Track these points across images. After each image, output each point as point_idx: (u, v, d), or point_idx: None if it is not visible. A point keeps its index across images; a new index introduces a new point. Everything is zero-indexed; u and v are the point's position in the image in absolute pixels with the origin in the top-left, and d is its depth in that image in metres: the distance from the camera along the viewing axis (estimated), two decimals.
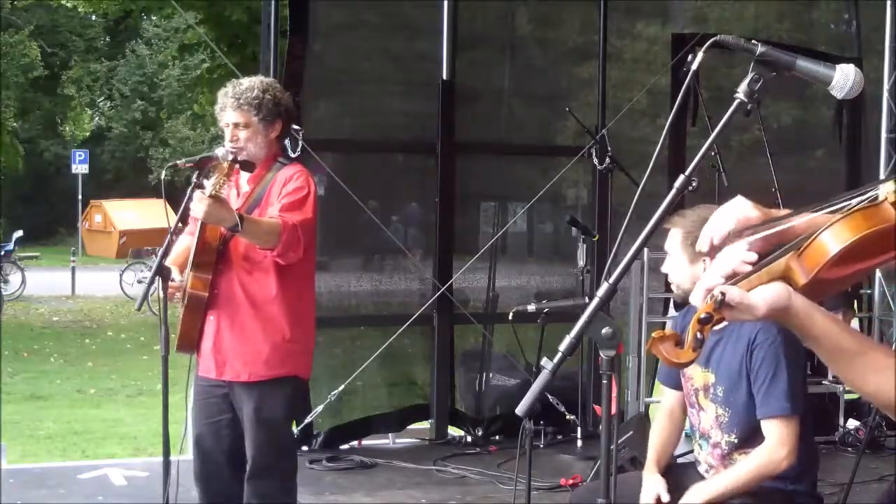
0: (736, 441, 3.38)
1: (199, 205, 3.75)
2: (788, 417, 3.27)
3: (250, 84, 4.07)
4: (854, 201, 1.83)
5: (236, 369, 4.05)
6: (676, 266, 3.45)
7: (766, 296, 1.79)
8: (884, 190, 1.81)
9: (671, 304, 6.53)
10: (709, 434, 3.47)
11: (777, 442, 3.26)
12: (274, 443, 4.09)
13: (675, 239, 3.44)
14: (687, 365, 1.83)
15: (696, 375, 3.49)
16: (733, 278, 1.83)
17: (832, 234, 1.78)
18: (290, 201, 3.97)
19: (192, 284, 3.97)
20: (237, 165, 3.93)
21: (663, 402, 3.76)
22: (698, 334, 1.77)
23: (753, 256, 1.85)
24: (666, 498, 3.39)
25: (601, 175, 6.88)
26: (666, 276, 3.57)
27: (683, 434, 3.76)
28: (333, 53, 6.99)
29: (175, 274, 3.94)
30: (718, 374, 3.41)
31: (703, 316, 1.77)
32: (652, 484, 3.46)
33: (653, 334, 1.83)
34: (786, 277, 1.81)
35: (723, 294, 1.77)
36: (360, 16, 7.08)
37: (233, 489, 4.13)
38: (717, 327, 1.82)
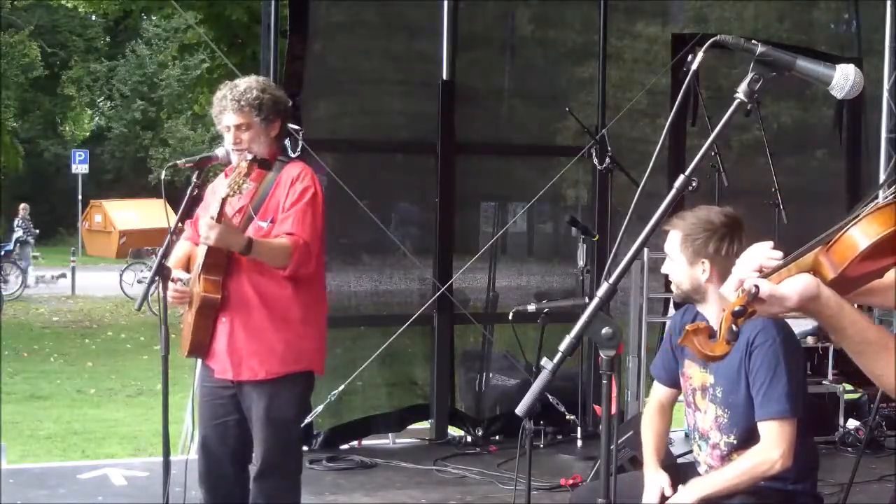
0: (735, 442, 3.38)
1: (209, 232, 3.78)
2: (785, 419, 3.27)
3: (248, 85, 4.06)
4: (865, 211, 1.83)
5: (253, 368, 4.03)
6: (676, 267, 3.45)
7: (796, 286, 1.80)
8: None
9: (671, 304, 6.53)
10: (707, 435, 3.46)
11: (772, 443, 3.26)
12: (283, 442, 4.08)
13: (674, 240, 3.44)
14: (721, 358, 1.84)
15: (695, 375, 3.49)
16: (761, 273, 1.84)
17: (861, 229, 1.78)
18: (301, 211, 3.94)
19: (204, 288, 3.95)
20: (256, 164, 3.90)
21: (653, 395, 3.75)
22: (733, 327, 1.79)
23: (778, 253, 1.86)
24: (670, 492, 3.38)
25: (601, 175, 6.89)
26: (666, 276, 3.57)
27: (683, 434, 3.76)
28: (333, 53, 6.99)
29: (182, 276, 3.94)
30: (717, 375, 3.40)
31: (737, 309, 1.78)
32: (655, 481, 3.45)
33: (687, 327, 1.83)
34: (814, 272, 1.82)
35: (756, 287, 1.77)
36: (360, 16, 7.07)
37: (237, 490, 4.13)
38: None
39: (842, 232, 1.80)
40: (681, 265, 3.42)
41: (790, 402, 3.26)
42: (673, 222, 3.41)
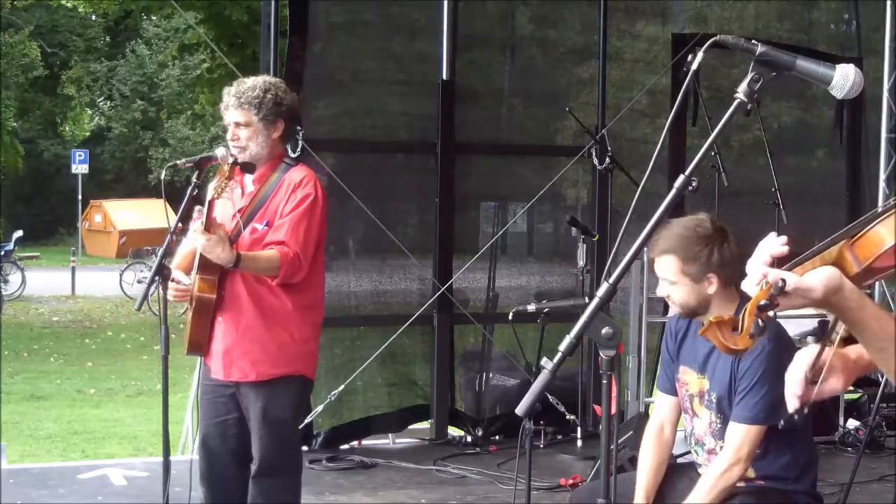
0: None
1: (198, 237, 3.79)
2: (753, 426, 3.27)
3: (253, 83, 4.06)
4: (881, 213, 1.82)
5: (244, 369, 4.04)
6: (678, 290, 3.34)
7: (821, 277, 1.78)
8: None
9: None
10: (703, 441, 3.46)
11: (734, 446, 3.28)
12: (280, 442, 4.09)
13: (670, 265, 3.32)
14: (742, 352, 1.78)
15: (692, 382, 3.48)
16: (782, 266, 1.82)
17: (888, 226, 1.78)
18: (296, 220, 3.95)
19: (200, 287, 3.96)
20: (237, 167, 3.93)
21: (653, 417, 3.67)
22: (759, 321, 1.75)
23: (784, 238, 1.84)
24: None
25: (601, 175, 6.89)
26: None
27: (683, 435, 3.75)
28: (333, 53, 6.99)
29: (181, 277, 3.95)
30: (713, 381, 3.40)
31: (762, 303, 1.75)
32: None
33: (711, 318, 1.80)
34: (837, 265, 1.81)
35: (783, 281, 1.75)
36: (360, 16, 7.07)
37: (237, 488, 4.13)
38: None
39: (868, 227, 1.80)
40: (684, 286, 3.33)
41: (763, 411, 3.26)
42: (659, 248, 3.31)
